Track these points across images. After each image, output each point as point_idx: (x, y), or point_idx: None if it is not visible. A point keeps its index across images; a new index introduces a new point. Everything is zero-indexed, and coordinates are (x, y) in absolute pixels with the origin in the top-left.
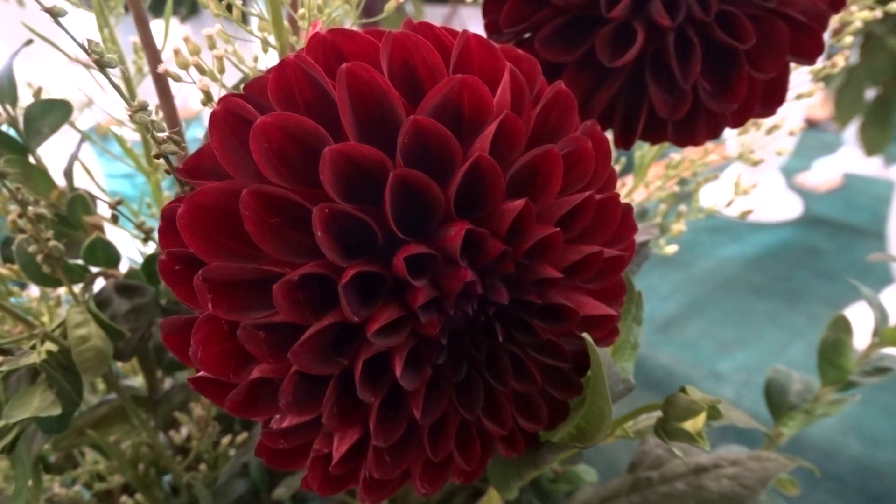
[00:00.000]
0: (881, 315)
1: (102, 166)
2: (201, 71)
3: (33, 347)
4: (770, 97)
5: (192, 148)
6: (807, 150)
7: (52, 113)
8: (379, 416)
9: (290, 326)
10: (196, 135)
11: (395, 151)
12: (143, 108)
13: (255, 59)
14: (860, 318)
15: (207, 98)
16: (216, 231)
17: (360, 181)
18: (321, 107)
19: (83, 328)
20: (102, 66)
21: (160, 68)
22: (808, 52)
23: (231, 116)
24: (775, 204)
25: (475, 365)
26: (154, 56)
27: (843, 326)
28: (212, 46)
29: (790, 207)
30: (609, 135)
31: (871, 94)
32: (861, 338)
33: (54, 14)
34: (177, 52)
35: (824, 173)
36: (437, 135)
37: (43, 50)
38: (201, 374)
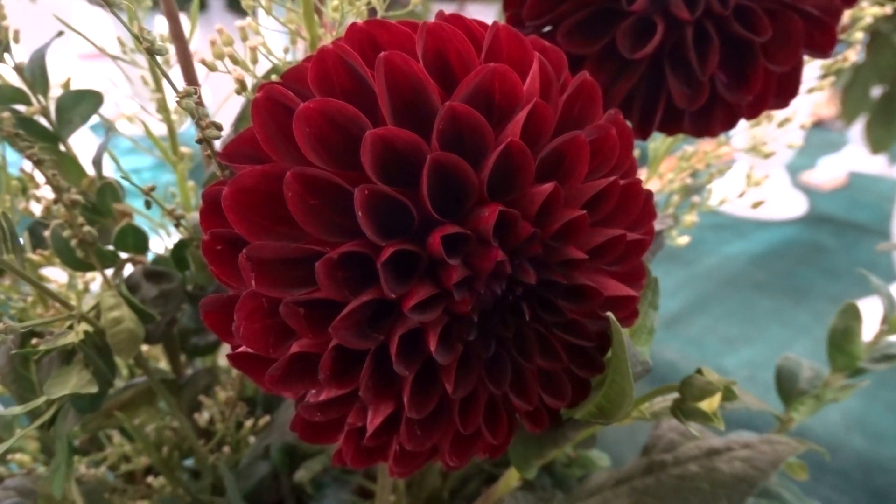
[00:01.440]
0: (889, 303)
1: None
2: (234, 61)
3: (70, 328)
4: (784, 89)
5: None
6: (812, 149)
7: (83, 103)
8: (413, 389)
9: (330, 303)
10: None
11: (431, 136)
12: (189, 94)
13: (286, 51)
14: (866, 314)
15: (242, 87)
16: (258, 212)
17: (398, 164)
18: (359, 94)
19: (116, 311)
20: (153, 53)
21: (196, 58)
22: (822, 45)
23: (272, 103)
24: (780, 202)
25: (503, 343)
26: (183, 48)
27: (852, 314)
28: (244, 38)
29: (795, 205)
30: None
31: (876, 91)
32: (868, 332)
33: (111, 4)
34: (213, 43)
35: (829, 171)
36: (472, 120)
37: (55, 46)
38: (241, 349)
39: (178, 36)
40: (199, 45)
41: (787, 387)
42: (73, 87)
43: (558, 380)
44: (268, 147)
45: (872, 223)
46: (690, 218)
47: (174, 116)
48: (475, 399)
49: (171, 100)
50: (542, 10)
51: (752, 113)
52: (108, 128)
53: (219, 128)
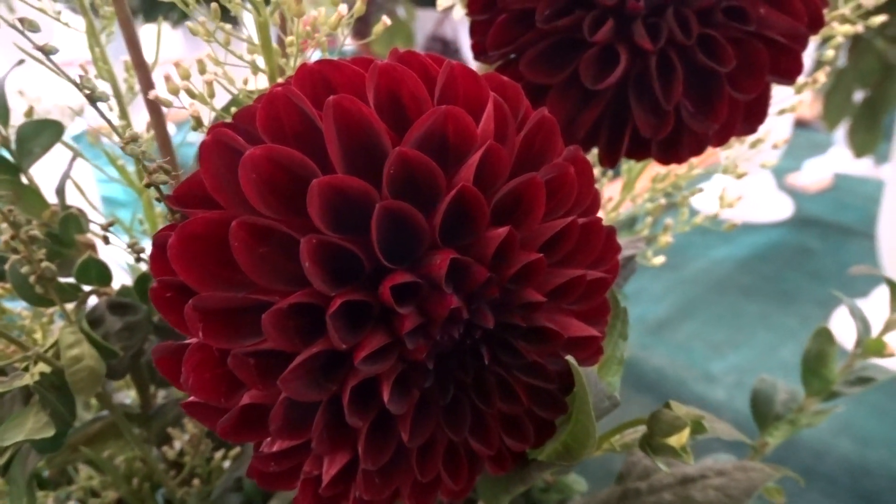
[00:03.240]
0: (863, 325)
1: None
2: (191, 95)
3: (26, 369)
4: (752, 116)
5: (181, 152)
6: (797, 150)
7: (44, 133)
8: (367, 439)
9: (280, 353)
10: (186, 139)
11: (382, 181)
12: (134, 139)
13: (245, 82)
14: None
15: (198, 124)
16: (207, 260)
17: (348, 210)
18: (310, 137)
19: (76, 348)
20: (94, 100)
21: (151, 95)
22: (789, 72)
23: (220, 147)
24: (766, 205)
25: (462, 387)
26: (145, 77)
27: (825, 338)
28: (202, 71)
29: (781, 208)
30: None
31: (859, 96)
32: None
33: (46, 52)
34: (167, 79)
35: (814, 173)
36: (423, 165)
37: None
38: (193, 398)
39: (139, 65)
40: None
41: (763, 410)
42: (49, 99)
43: (520, 423)
44: (216, 192)
45: (858, 225)
46: (665, 238)
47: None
48: (433, 446)
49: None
50: (505, 39)
51: (720, 140)
52: (73, 155)
53: (167, 172)
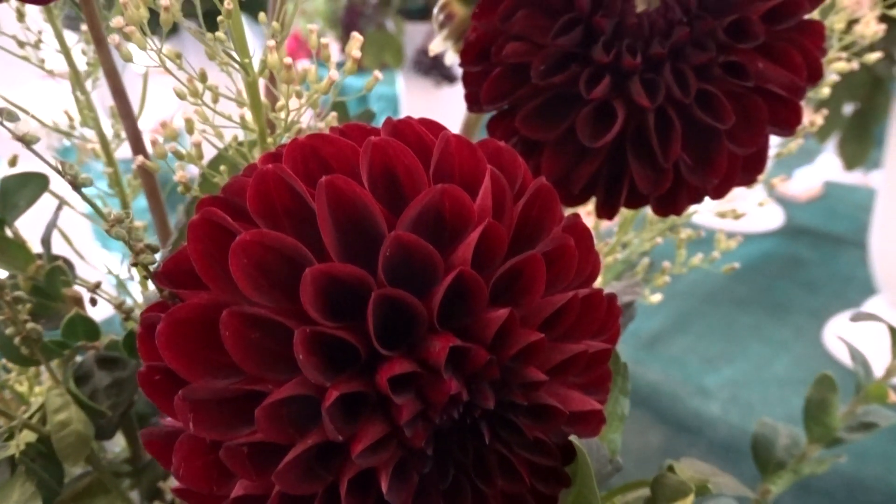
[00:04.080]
0: (864, 370)
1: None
2: (179, 156)
3: (11, 436)
4: (751, 167)
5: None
6: (787, 158)
7: (28, 186)
8: None
9: (274, 443)
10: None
11: (377, 263)
12: (120, 220)
13: (235, 139)
14: (844, 330)
15: (186, 189)
16: (196, 345)
17: (342, 297)
18: (302, 214)
19: (63, 412)
20: (77, 186)
21: (137, 161)
22: (788, 122)
23: (210, 226)
24: (757, 214)
25: (462, 468)
26: (132, 127)
27: (828, 385)
28: (190, 130)
29: (772, 217)
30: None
31: (849, 108)
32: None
33: (27, 142)
34: (154, 143)
35: (805, 182)
36: (419, 249)
37: (23, 74)
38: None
39: (126, 115)
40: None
41: (764, 456)
42: (35, 113)
43: (523, 500)
44: (205, 274)
45: (849, 234)
46: (663, 279)
47: (127, 190)
48: None
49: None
50: (500, 93)
51: (719, 193)
52: (59, 204)
53: (154, 250)
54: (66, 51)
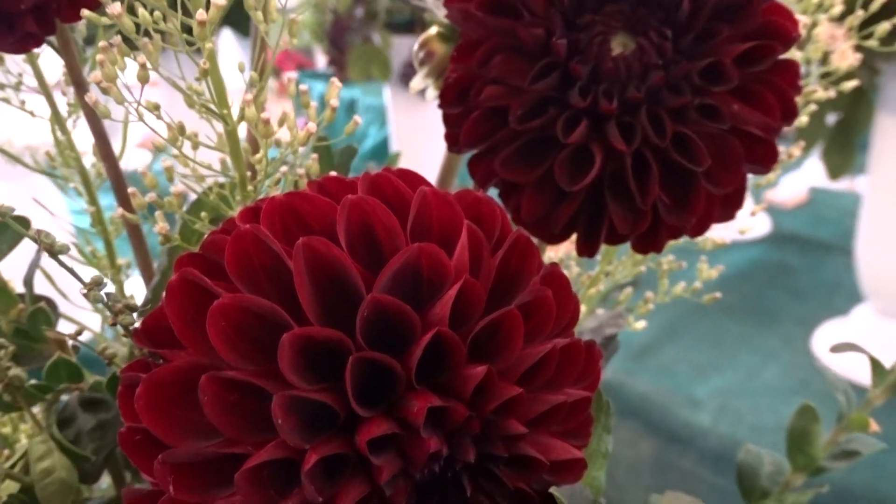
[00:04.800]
0: (847, 400)
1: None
2: (160, 205)
3: None
4: (730, 204)
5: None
6: None
7: (8, 231)
8: None
9: None
10: (158, 166)
11: (355, 324)
12: (98, 283)
13: (216, 185)
14: (831, 335)
15: (166, 240)
16: (176, 407)
17: (320, 359)
18: (280, 273)
19: (46, 460)
20: (54, 254)
21: (117, 213)
22: (764, 160)
23: (188, 286)
24: (744, 222)
25: None
26: (113, 168)
27: (810, 416)
28: (170, 179)
29: (759, 225)
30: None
31: (832, 119)
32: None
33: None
34: (133, 195)
35: (791, 188)
36: (397, 310)
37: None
38: None
39: (107, 156)
40: None
41: (748, 483)
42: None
43: None
44: (183, 336)
45: (836, 240)
46: (646, 308)
47: (110, 227)
48: None
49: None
50: (478, 136)
51: (698, 232)
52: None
53: (133, 309)
54: (46, 93)
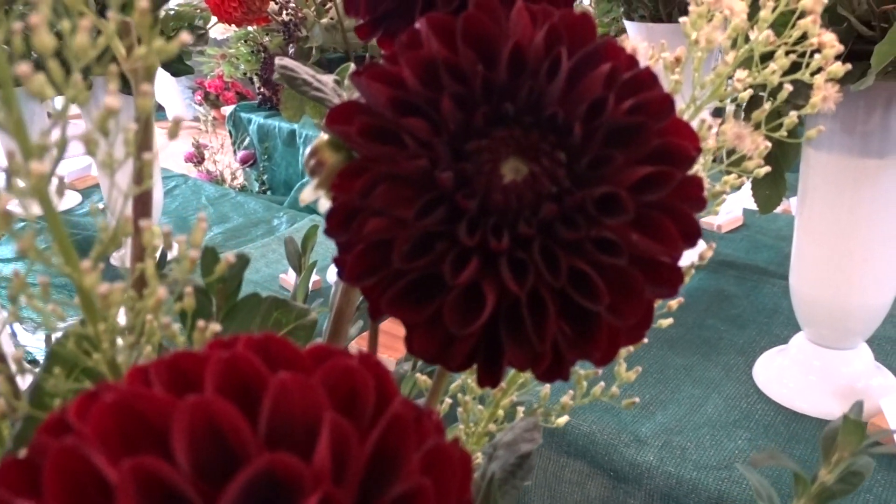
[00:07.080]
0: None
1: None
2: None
3: None
4: (636, 329)
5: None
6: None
7: None
8: None
9: None
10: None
11: None
12: None
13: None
14: (769, 364)
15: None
16: None
17: None
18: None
19: None
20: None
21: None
22: (669, 283)
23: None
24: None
25: None
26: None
27: None
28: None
29: (697, 251)
30: None
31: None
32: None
33: None
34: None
35: (727, 212)
36: None
37: None
38: None
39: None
40: None
41: None
42: None
43: None
44: None
45: (771, 265)
46: (562, 421)
47: None
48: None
49: None
50: (363, 272)
51: (603, 361)
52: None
53: None
54: None
